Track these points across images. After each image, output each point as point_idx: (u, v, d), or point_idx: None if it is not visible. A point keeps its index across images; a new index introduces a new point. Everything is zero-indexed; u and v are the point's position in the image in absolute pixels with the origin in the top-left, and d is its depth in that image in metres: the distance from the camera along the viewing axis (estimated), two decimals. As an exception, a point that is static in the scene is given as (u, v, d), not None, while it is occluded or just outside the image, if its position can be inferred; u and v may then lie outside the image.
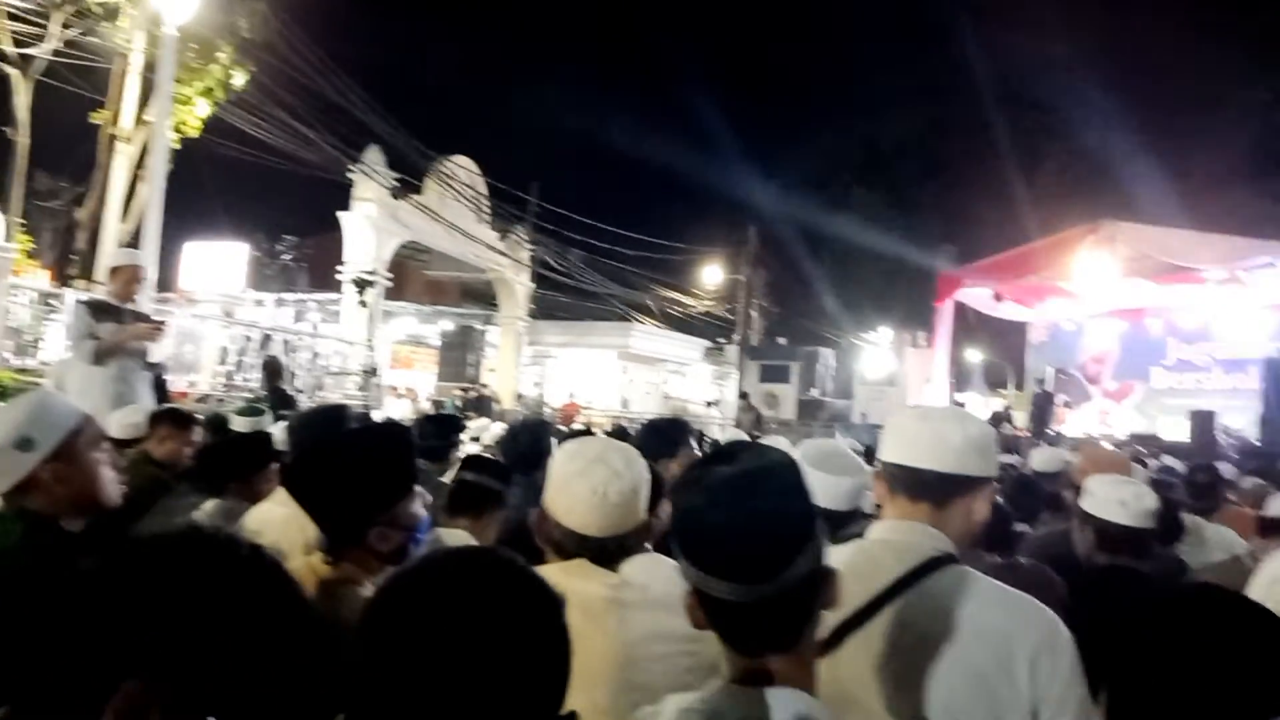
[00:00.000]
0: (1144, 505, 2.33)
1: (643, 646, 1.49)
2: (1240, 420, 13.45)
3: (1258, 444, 11.71)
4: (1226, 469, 6.35)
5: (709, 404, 24.62)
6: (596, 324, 25.74)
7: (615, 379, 25.56)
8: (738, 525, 1.03)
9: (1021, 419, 16.90)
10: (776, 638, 1.07)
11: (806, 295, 30.40)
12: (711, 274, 26.12)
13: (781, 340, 25.96)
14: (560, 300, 25.25)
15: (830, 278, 31.26)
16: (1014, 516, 3.03)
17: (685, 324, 27.53)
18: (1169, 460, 7.03)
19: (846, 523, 2.14)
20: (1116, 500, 2.33)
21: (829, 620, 1.46)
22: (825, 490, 2.06)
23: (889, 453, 1.64)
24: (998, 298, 16.20)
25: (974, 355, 24.40)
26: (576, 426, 11.56)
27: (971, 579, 1.49)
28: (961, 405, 16.23)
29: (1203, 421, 12.49)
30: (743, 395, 20.03)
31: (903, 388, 17.06)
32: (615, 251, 23.64)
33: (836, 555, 1.71)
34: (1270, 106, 22.58)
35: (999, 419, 15.06)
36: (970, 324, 18.96)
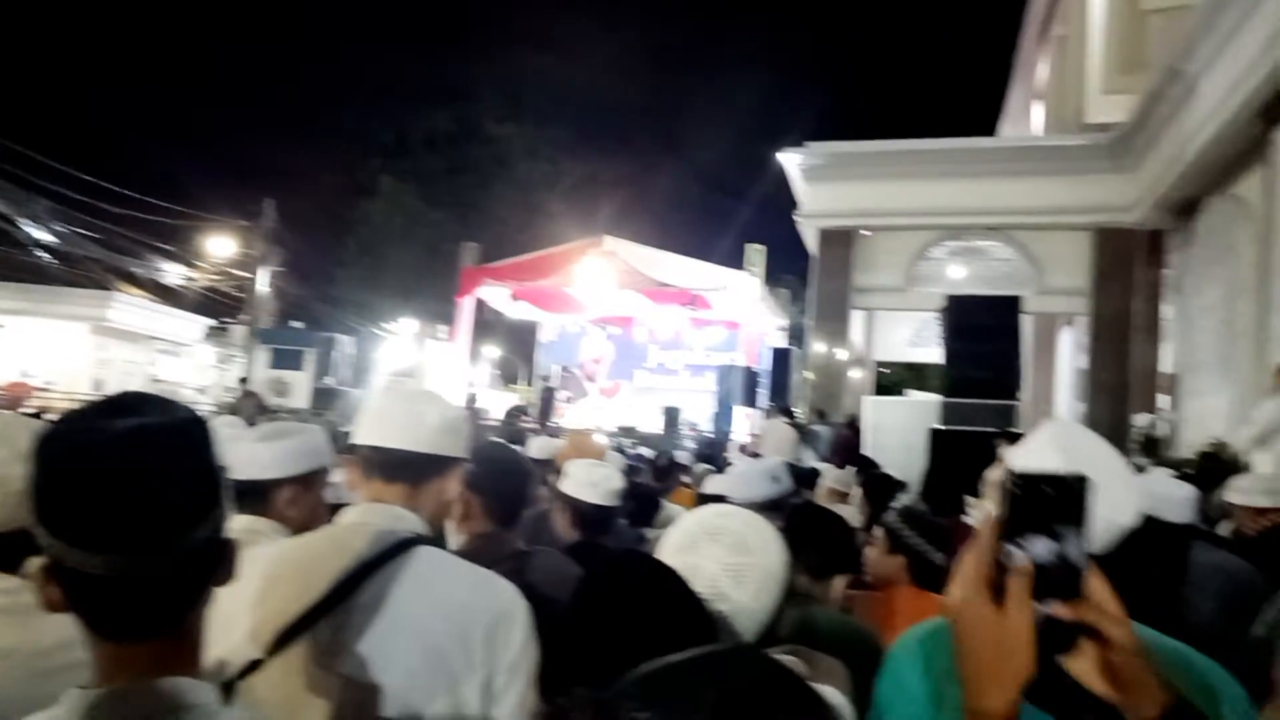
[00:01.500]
0: (611, 486, 2.58)
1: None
2: (700, 416, 16.11)
3: (710, 435, 14.08)
4: (684, 456, 7.48)
5: (199, 390, 22.15)
6: (66, 290, 21.56)
7: (87, 356, 21.68)
8: (120, 485, 0.83)
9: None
10: (163, 619, 0.89)
11: (329, 280, 29.14)
12: (221, 246, 23.57)
13: (297, 324, 24.45)
14: (18, 258, 20.67)
15: (355, 264, 30.36)
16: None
17: (186, 299, 24.50)
18: (643, 449, 8.05)
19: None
20: (589, 482, 2.54)
21: (285, 612, 1.34)
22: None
23: (365, 435, 1.56)
24: (514, 297, 17.20)
25: (491, 351, 25.60)
26: (26, 411, 9.53)
27: (441, 559, 1.47)
28: (475, 396, 16.89)
29: (671, 416, 14.71)
30: (242, 380, 18.42)
31: (423, 378, 17.20)
32: (99, 208, 20.10)
33: (300, 543, 1.58)
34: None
35: (517, 412, 15.96)
36: (489, 321, 19.83)
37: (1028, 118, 19.95)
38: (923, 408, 11.35)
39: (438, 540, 1.60)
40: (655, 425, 14.82)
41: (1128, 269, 12.84)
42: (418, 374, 18.59)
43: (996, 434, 7.20)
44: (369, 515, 1.50)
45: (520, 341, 25.47)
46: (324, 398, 18.69)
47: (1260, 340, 8.57)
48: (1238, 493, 3.58)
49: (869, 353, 18.69)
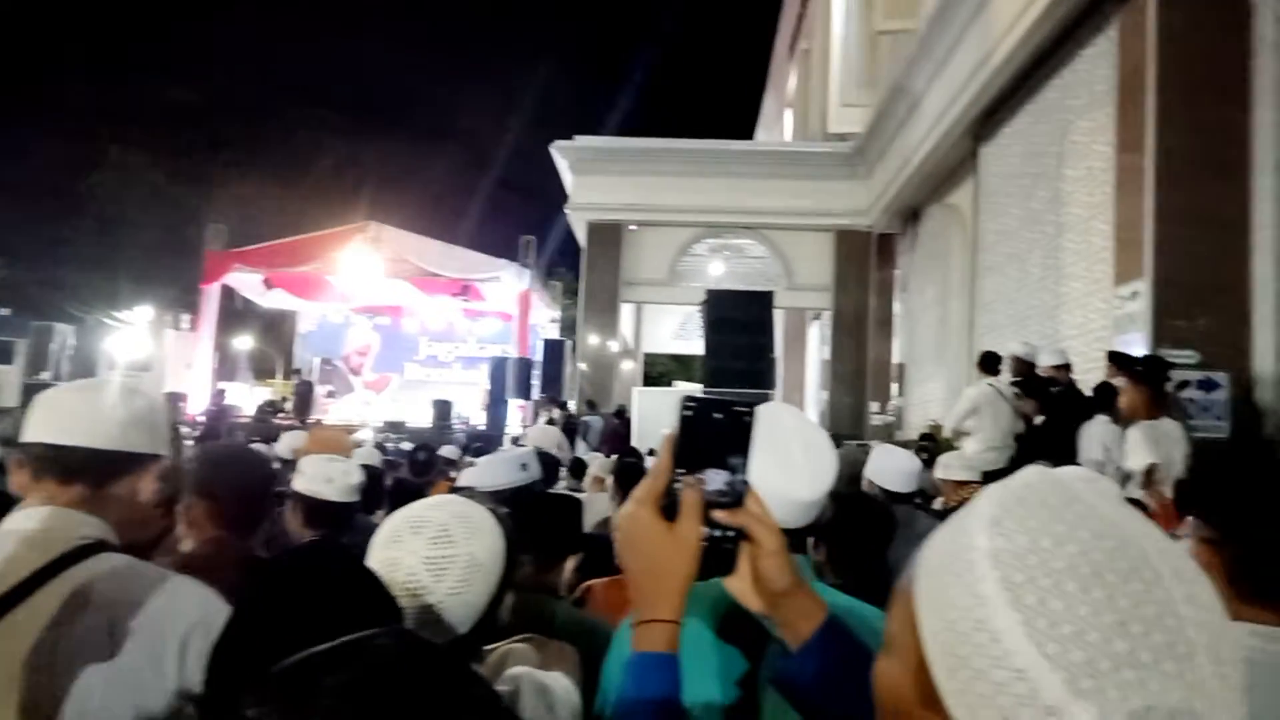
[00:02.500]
0: (349, 481, 2.45)
1: None
2: (472, 409, 15.84)
3: (482, 428, 13.90)
4: (451, 449, 7.31)
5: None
6: None
7: None
8: None
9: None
10: None
11: (45, 262, 25.67)
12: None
13: (4, 311, 21.32)
14: None
15: (79, 245, 26.96)
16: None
17: None
18: (405, 444, 7.78)
19: None
20: (324, 477, 2.40)
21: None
22: None
23: (36, 432, 1.37)
24: (268, 284, 16.03)
25: (243, 342, 23.71)
26: None
27: (127, 565, 1.32)
28: (223, 392, 15.58)
29: (441, 409, 14.36)
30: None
31: (161, 373, 15.58)
32: None
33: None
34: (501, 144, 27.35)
35: (269, 407, 14.87)
36: (239, 310, 18.34)
37: (780, 124, 21.41)
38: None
39: (140, 547, 1.43)
40: (425, 419, 14.42)
41: (864, 269, 14.15)
42: (154, 367, 16.82)
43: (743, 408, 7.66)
44: (35, 521, 1.31)
45: (277, 333, 23.79)
46: (39, 393, 16.40)
47: (969, 334, 9.74)
48: (942, 469, 4.04)
49: (639, 345, 19.24)
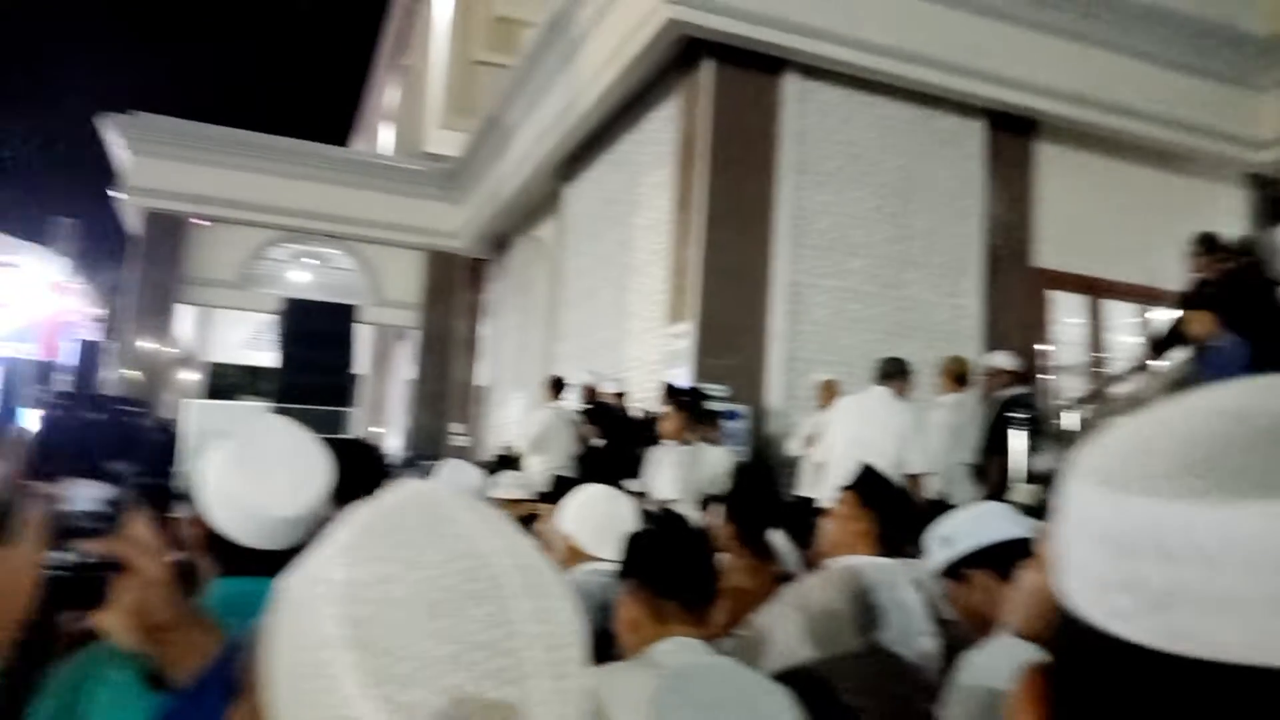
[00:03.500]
0: None
1: None
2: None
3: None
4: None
5: None
6: None
7: None
8: None
9: None
10: None
11: None
12: None
13: None
14: None
15: None
16: None
17: None
18: None
19: None
20: None
21: None
22: None
23: None
24: None
25: None
26: None
27: None
28: None
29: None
30: None
31: None
32: None
33: None
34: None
35: None
36: None
37: (377, 136, 20.85)
38: (250, 414, 10.83)
39: None
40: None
41: (453, 291, 14.23)
42: None
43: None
44: None
45: None
46: None
47: (546, 361, 10.23)
48: (499, 488, 4.12)
49: (203, 351, 17.26)
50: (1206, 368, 4.76)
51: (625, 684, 1.41)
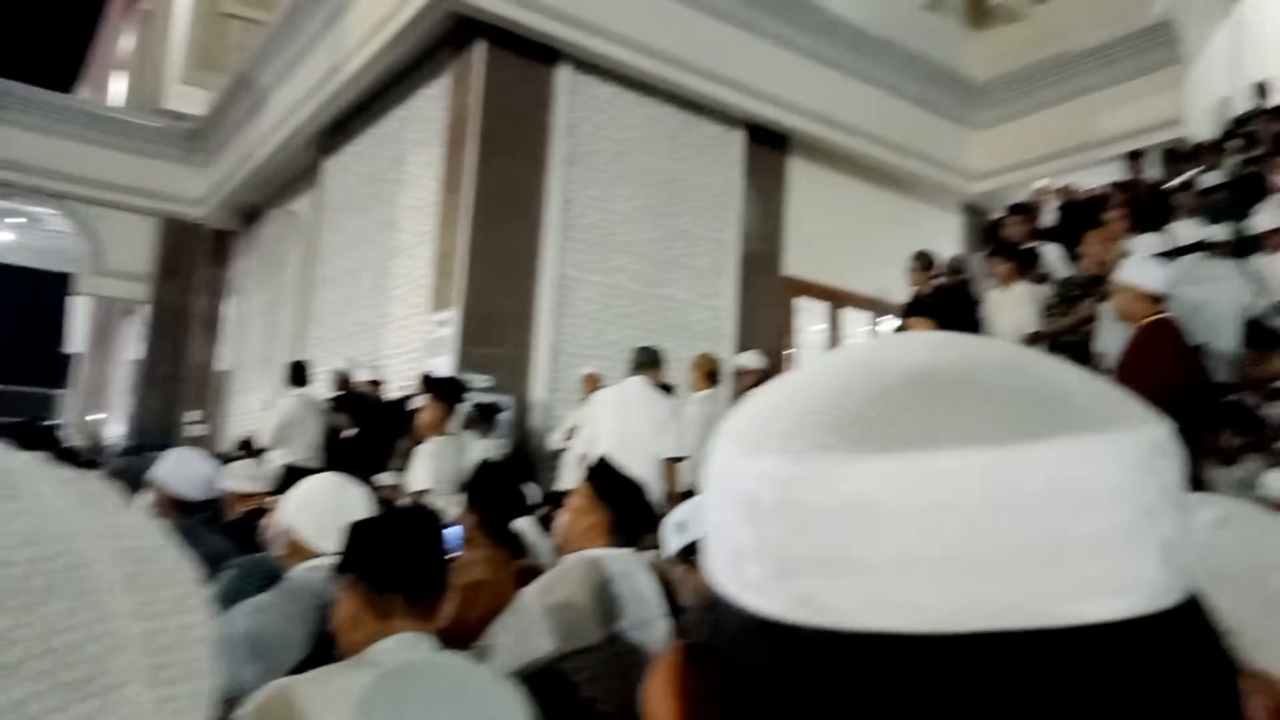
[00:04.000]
0: None
1: None
2: None
3: None
4: None
5: None
6: None
7: None
8: None
9: None
10: None
11: None
12: None
13: None
14: None
15: None
16: None
17: None
18: None
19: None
20: None
21: None
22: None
23: None
24: None
25: None
26: None
27: None
28: None
29: None
30: None
31: None
32: None
33: None
34: None
35: None
36: None
37: (107, 85, 18.52)
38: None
39: None
40: None
41: (192, 264, 12.94)
42: None
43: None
44: None
45: None
46: None
47: (298, 344, 9.55)
48: (228, 478, 3.76)
49: None
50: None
51: (337, 686, 1.29)
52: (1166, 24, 8.47)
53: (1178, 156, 8.13)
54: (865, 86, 8.98)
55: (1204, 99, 8.82)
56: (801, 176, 8.97)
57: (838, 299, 9.24)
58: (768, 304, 8.54)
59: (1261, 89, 8.26)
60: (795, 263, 8.81)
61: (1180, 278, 4.25)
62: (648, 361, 5.19)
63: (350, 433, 6.59)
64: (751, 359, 6.53)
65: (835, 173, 9.23)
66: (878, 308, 9.16)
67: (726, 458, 0.33)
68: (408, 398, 6.00)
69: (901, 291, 7.23)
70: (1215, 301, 4.83)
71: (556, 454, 6.48)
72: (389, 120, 8.44)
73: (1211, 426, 3.82)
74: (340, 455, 6.28)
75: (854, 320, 9.40)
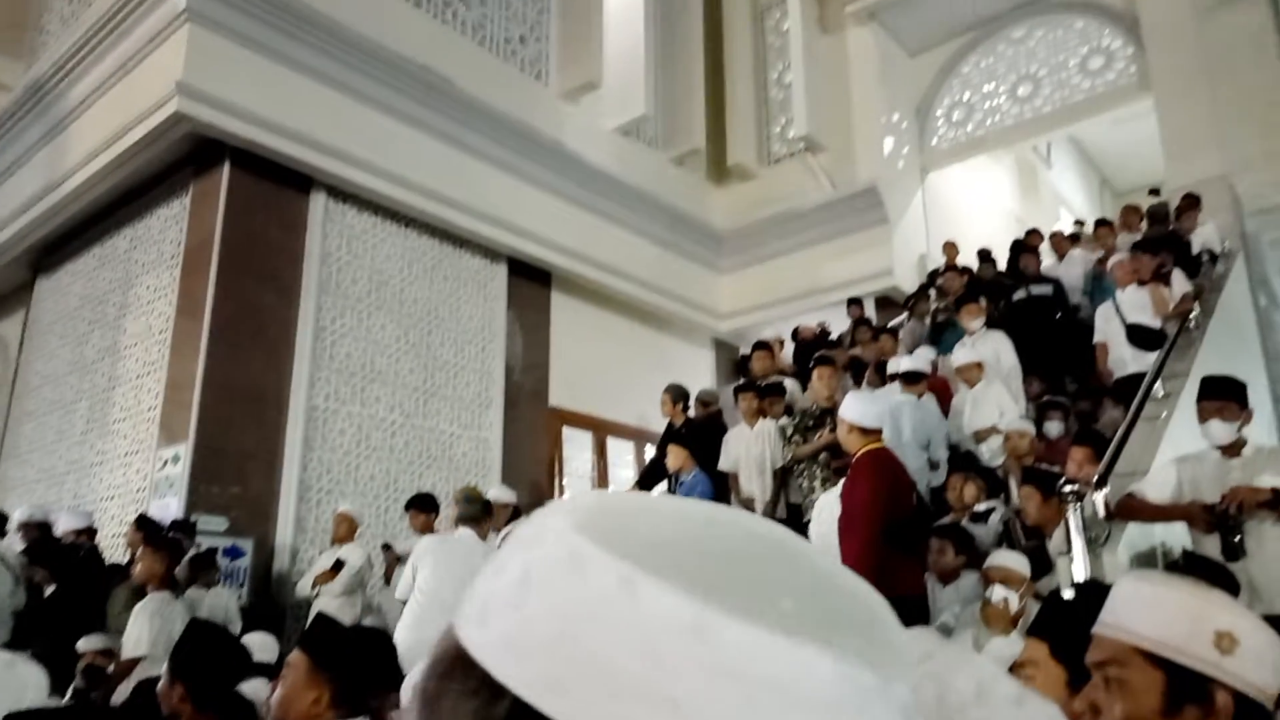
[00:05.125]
0: None
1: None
2: None
3: None
4: None
5: None
6: None
7: None
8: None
9: None
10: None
11: None
12: None
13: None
14: None
15: None
16: None
17: None
18: None
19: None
20: None
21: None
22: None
23: None
24: None
25: None
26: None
27: None
28: None
29: None
30: None
31: None
32: None
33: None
34: None
35: None
36: None
37: None
38: None
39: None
40: None
41: None
42: None
43: None
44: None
45: None
46: None
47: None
48: None
49: None
50: (681, 492, 5.56)
51: None
52: (874, 189, 9.79)
53: (889, 302, 9.25)
54: (621, 230, 9.53)
55: (908, 254, 10.19)
56: (565, 310, 9.23)
57: (602, 429, 9.42)
58: (534, 434, 8.54)
59: (946, 248, 9.67)
60: (560, 394, 8.93)
61: (888, 411, 4.75)
62: (478, 515, 5.02)
63: (50, 589, 5.66)
64: (503, 493, 6.44)
65: (597, 308, 9.59)
66: (640, 437, 9.44)
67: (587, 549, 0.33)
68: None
69: (659, 422, 7.52)
70: (902, 433, 5.46)
71: (305, 602, 5.93)
72: (118, 239, 7.76)
73: (928, 546, 4.21)
74: (39, 618, 5.37)
75: (619, 449, 9.59)
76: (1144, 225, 8.22)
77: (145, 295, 7.21)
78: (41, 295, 8.71)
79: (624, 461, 9.59)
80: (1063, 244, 8.56)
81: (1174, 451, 3.95)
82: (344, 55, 7.10)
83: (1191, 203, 7.65)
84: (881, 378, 6.60)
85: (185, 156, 6.91)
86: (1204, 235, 7.35)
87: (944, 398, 6.29)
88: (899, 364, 6.22)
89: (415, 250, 7.91)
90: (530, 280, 8.85)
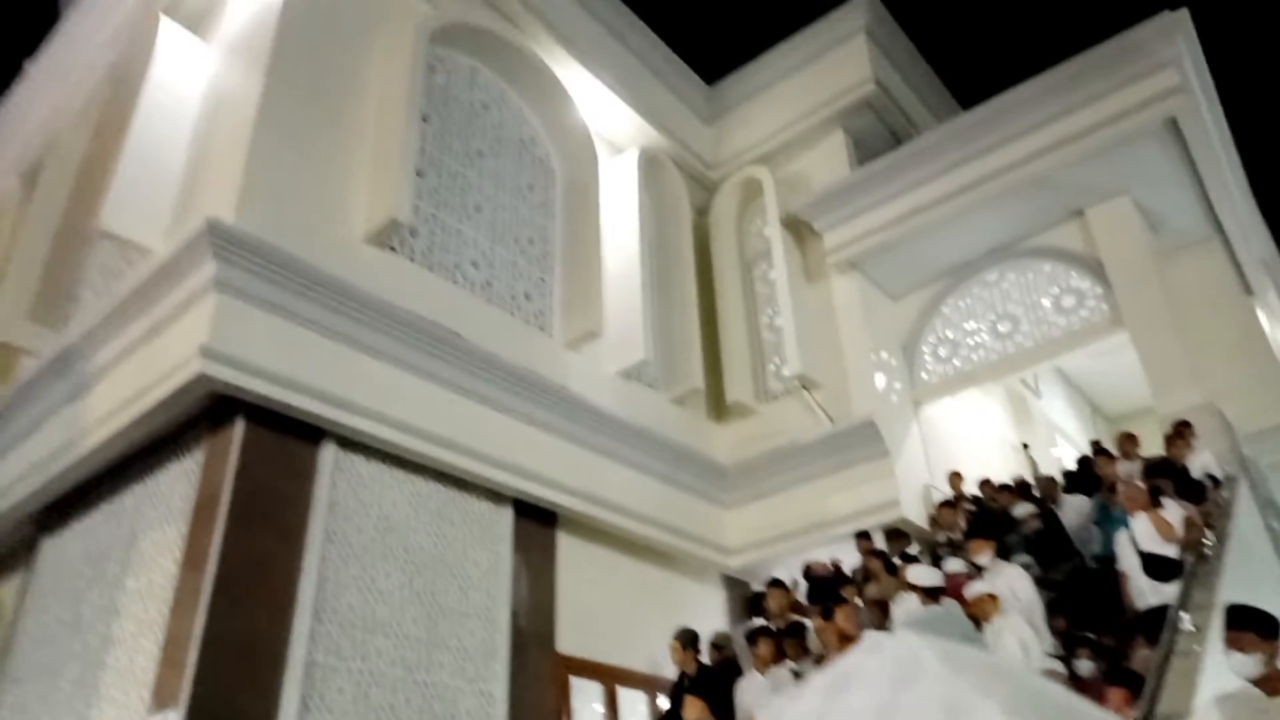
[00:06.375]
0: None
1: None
2: None
3: None
4: None
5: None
6: None
7: None
8: None
9: None
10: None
11: None
12: None
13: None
14: None
15: None
16: None
17: None
18: None
19: None
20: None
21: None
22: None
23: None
24: None
25: None
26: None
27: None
28: None
29: None
30: None
31: None
32: None
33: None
34: None
35: None
36: None
37: None
38: None
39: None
40: None
41: None
42: None
43: None
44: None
45: None
46: None
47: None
48: None
49: None
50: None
51: None
52: (871, 423, 10.01)
53: (898, 534, 9.17)
54: (625, 469, 9.63)
55: (912, 485, 10.23)
56: (571, 551, 9.11)
57: (612, 677, 8.97)
58: (540, 685, 8.13)
59: (950, 478, 9.73)
60: (567, 639, 8.61)
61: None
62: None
63: None
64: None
65: (604, 548, 9.47)
66: (652, 685, 8.98)
67: None
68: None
69: (671, 667, 7.19)
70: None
71: None
72: (126, 496, 7.78)
73: None
74: None
75: (630, 700, 9.07)
76: (1140, 452, 8.36)
77: (149, 550, 7.14)
78: (45, 553, 8.61)
79: (636, 712, 9.04)
80: (1053, 489, 8.70)
81: (1215, 688, 3.79)
82: (357, 314, 7.50)
83: (1179, 430, 7.83)
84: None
85: (200, 413, 7.07)
86: (1203, 460, 7.46)
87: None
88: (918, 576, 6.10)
89: (422, 495, 7.94)
90: (536, 521, 8.81)
